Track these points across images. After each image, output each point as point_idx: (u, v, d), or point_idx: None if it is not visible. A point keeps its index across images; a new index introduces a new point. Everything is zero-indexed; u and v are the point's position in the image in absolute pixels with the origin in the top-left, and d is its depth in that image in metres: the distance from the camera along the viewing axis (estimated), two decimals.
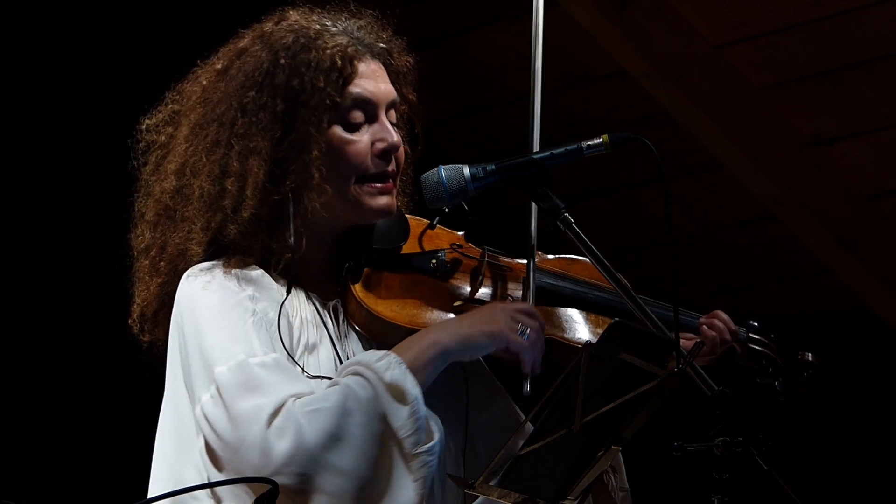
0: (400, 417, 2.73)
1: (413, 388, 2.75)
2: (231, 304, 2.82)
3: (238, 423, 2.71)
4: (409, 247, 3.01)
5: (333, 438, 2.69)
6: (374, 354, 2.80)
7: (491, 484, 2.61)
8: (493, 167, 2.98)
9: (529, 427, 2.65)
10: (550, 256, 3.10)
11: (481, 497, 2.71)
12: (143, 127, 3.01)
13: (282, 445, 2.68)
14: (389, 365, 2.77)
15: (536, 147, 3.04)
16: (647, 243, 5.32)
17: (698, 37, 5.51)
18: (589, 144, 2.98)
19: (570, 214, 2.92)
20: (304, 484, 2.67)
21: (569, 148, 2.98)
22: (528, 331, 2.86)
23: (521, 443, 2.62)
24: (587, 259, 2.97)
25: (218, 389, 2.75)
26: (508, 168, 2.97)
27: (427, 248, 3.01)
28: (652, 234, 5.82)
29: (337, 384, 2.76)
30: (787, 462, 2.79)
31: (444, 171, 2.97)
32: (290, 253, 2.87)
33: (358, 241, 2.96)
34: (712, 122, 5.62)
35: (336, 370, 2.87)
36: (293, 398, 2.72)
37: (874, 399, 6.24)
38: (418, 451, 2.74)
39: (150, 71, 3.47)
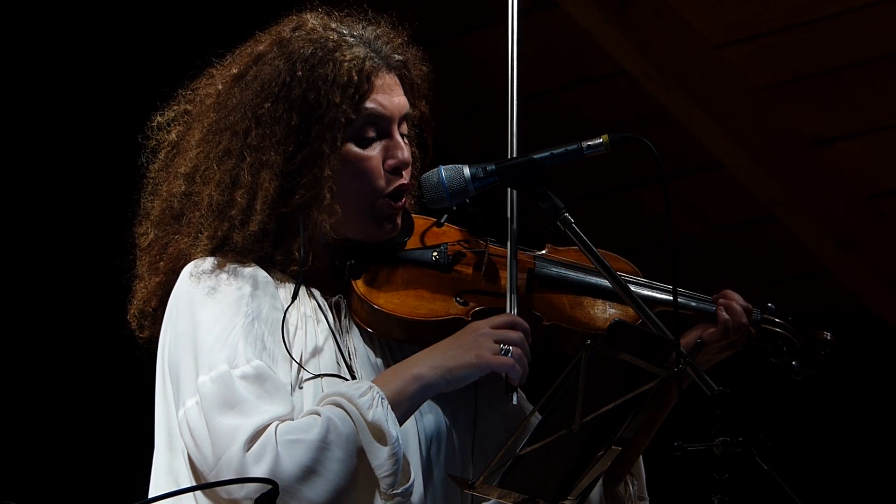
0: (379, 457, 2.72)
1: (394, 428, 2.74)
2: (223, 306, 2.82)
3: (216, 440, 2.72)
4: (412, 244, 3.01)
5: (309, 472, 2.69)
6: (358, 388, 2.78)
7: (491, 484, 2.61)
8: (494, 167, 2.97)
9: (532, 423, 2.65)
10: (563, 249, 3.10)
11: (492, 500, 2.71)
12: (154, 124, 3.01)
13: (257, 471, 2.68)
14: (373, 402, 2.75)
15: (515, 152, 3.03)
16: (647, 243, 5.31)
17: (698, 37, 5.51)
18: (589, 144, 2.98)
19: (570, 214, 2.92)
20: None
21: (569, 148, 2.98)
22: (510, 348, 2.83)
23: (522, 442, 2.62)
24: (600, 250, 2.96)
25: (201, 400, 2.76)
26: (508, 168, 2.97)
27: (430, 244, 3.01)
28: (652, 234, 5.82)
29: (318, 414, 2.75)
30: (787, 462, 2.79)
31: (444, 171, 2.97)
32: (298, 266, 2.88)
33: (359, 242, 2.96)
34: (712, 122, 5.62)
35: (337, 366, 2.88)
36: (275, 422, 2.73)
37: (874, 399, 6.24)
38: (394, 492, 2.74)
39: (159, 68, 3.46)
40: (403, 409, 2.79)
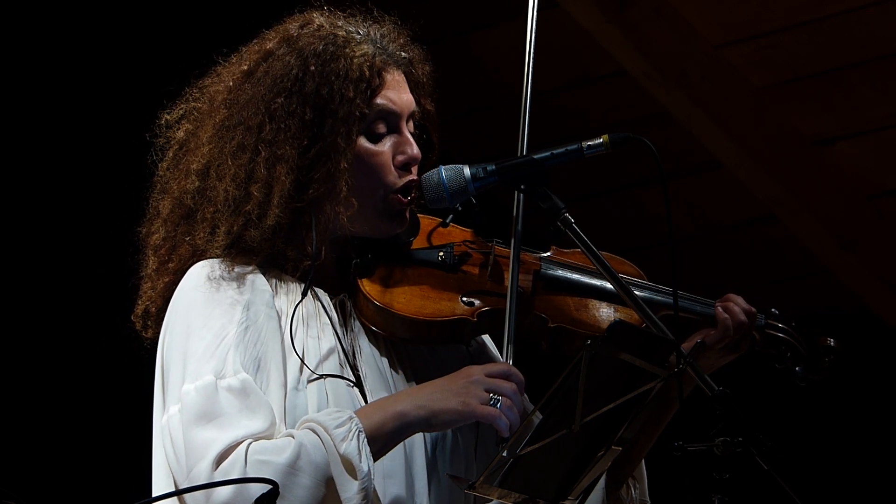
0: (349, 491, 2.69)
1: (366, 463, 2.71)
2: (218, 313, 2.82)
3: (190, 452, 2.71)
4: (419, 243, 3.01)
5: None
6: (336, 417, 2.75)
7: (491, 484, 2.61)
8: (494, 167, 2.97)
9: (533, 423, 2.65)
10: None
11: (494, 500, 2.70)
12: (162, 122, 3.01)
13: (223, 491, 2.66)
14: (349, 433, 2.72)
15: (525, 150, 3.02)
16: (647, 243, 5.32)
17: (698, 37, 5.51)
18: (589, 144, 2.98)
19: (570, 214, 2.92)
20: None
21: (569, 148, 2.98)
22: (500, 398, 2.78)
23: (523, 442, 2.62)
24: (604, 253, 2.95)
25: (182, 408, 2.75)
26: (509, 168, 2.97)
27: (437, 244, 3.01)
28: (652, 234, 5.83)
29: (292, 437, 2.73)
30: (787, 462, 2.79)
31: (445, 171, 2.97)
32: (310, 261, 2.87)
33: (367, 237, 2.96)
34: (712, 122, 5.62)
35: (341, 367, 2.87)
36: (249, 440, 2.71)
37: (874, 399, 6.25)
38: None
39: (163, 68, 3.47)
40: (380, 444, 2.75)
